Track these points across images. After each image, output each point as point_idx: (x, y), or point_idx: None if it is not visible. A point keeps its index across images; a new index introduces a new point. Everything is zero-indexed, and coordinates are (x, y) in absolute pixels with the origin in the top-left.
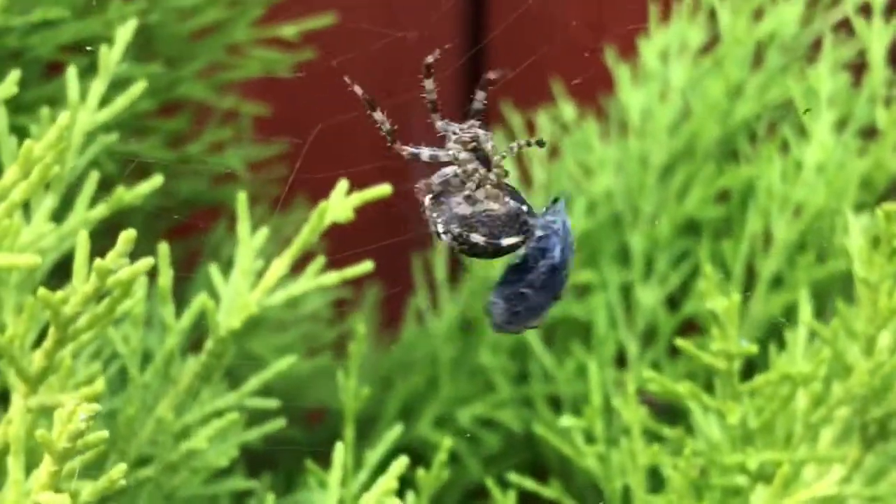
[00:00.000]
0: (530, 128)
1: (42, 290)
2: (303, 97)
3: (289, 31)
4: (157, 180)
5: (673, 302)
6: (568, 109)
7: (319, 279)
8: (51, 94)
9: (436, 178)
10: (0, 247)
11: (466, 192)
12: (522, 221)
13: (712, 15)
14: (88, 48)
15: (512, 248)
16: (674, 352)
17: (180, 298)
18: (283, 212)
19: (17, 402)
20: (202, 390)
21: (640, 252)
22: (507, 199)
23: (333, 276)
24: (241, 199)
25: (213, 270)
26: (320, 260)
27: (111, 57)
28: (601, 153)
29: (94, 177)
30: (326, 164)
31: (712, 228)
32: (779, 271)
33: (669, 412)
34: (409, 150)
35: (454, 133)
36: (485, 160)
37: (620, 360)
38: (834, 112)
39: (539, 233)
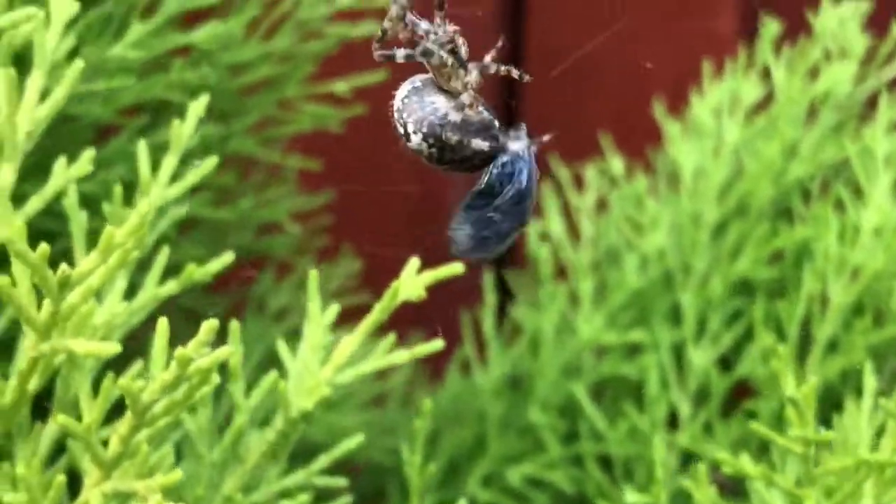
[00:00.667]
0: (578, 181)
1: (123, 380)
2: (349, 148)
3: (340, 87)
4: (226, 258)
5: (726, 362)
6: (616, 163)
7: (390, 357)
8: (108, 157)
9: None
10: (77, 332)
11: (440, 91)
12: (493, 136)
13: (766, 72)
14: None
15: (483, 156)
16: (726, 413)
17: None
18: (329, 262)
19: (91, 488)
20: (270, 468)
21: (693, 311)
22: (481, 108)
23: (404, 355)
24: (313, 276)
25: (281, 345)
26: (391, 338)
27: (184, 131)
28: (652, 210)
29: (164, 252)
30: (370, 212)
31: (766, 289)
32: (835, 335)
33: (735, 489)
34: (383, 52)
35: (428, 31)
36: (462, 63)
37: (672, 421)
38: (891, 173)
39: (504, 157)
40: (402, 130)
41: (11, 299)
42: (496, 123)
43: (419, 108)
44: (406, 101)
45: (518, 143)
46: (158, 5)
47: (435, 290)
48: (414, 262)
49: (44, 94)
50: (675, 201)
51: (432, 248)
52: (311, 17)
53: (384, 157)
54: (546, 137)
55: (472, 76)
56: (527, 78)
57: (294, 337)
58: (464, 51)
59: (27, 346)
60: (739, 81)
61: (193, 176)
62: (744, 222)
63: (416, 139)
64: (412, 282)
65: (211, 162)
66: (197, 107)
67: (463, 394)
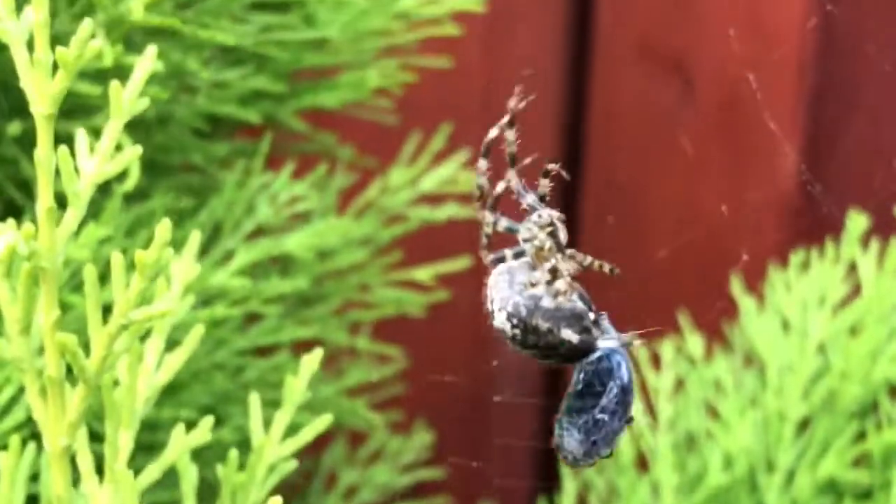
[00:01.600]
0: (656, 360)
1: None
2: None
3: (423, 274)
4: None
5: None
6: (695, 342)
7: None
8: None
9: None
10: None
11: (534, 276)
12: (585, 327)
13: (852, 267)
14: None
15: (570, 347)
16: None
17: None
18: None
19: None
20: None
21: None
22: (575, 297)
23: None
24: None
25: None
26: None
27: (297, 385)
28: (735, 401)
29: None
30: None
31: (853, 491)
32: None
33: None
34: (494, 257)
35: (530, 209)
36: (559, 248)
37: None
38: None
39: (599, 352)
40: (488, 304)
41: None
42: (591, 315)
43: (507, 287)
44: (497, 278)
45: (609, 338)
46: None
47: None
48: None
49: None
50: (758, 392)
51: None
52: (395, 204)
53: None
54: (637, 340)
55: (570, 264)
56: (617, 272)
57: None
58: (563, 235)
59: None
60: (826, 275)
61: (309, 432)
62: (830, 420)
63: (499, 318)
64: None
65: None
66: (311, 361)
67: None
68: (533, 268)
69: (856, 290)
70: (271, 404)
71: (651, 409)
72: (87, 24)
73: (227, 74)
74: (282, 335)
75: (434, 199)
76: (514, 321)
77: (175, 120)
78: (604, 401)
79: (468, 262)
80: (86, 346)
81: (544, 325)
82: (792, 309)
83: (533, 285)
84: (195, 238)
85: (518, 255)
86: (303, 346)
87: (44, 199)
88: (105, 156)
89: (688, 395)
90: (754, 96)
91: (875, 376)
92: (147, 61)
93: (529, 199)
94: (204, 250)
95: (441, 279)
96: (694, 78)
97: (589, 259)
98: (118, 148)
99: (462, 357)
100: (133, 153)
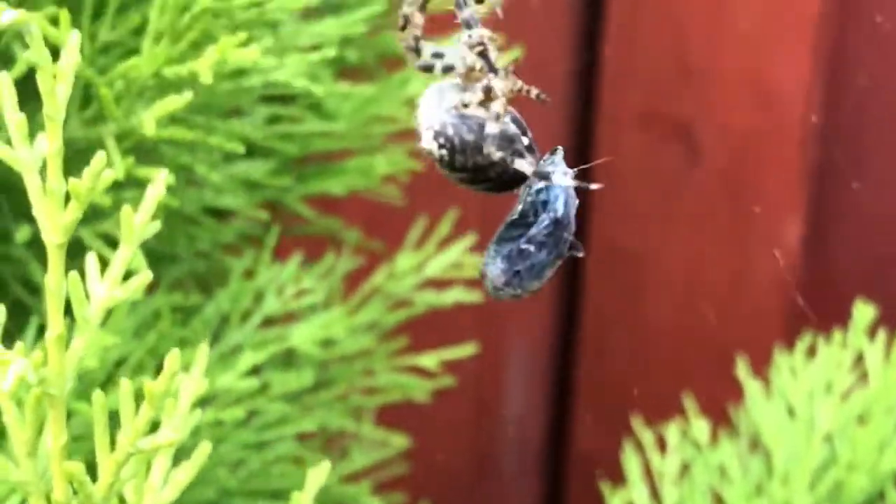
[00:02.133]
0: (661, 445)
1: None
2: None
3: (428, 360)
4: None
5: None
6: (700, 426)
7: None
8: None
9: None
10: None
11: (465, 97)
12: (516, 150)
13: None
14: None
15: (500, 171)
16: None
17: None
18: None
19: None
20: None
21: None
22: (507, 119)
23: None
24: None
25: None
26: None
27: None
28: (741, 488)
29: None
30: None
31: None
32: None
33: None
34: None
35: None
36: (492, 69)
37: None
38: None
39: (539, 183)
40: (417, 127)
41: None
42: (524, 140)
43: (436, 106)
44: (426, 100)
45: (553, 169)
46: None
47: None
48: None
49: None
50: (764, 479)
51: None
52: (401, 289)
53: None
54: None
55: (503, 83)
56: (544, 97)
57: None
58: (494, 55)
59: None
60: (833, 364)
61: None
62: None
63: (426, 137)
64: None
65: None
66: (318, 475)
67: None
68: (463, 89)
69: (862, 378)
70: (274, 495)
71: (656, 494)
72: (100, 156)
73: (235, 169)
74: (286, 429)
75: (440, 283)
76: (442, 140)
77: (181, 212)
78: (532, 231)
79: (475, 349)
80: (91, 467)
81: (471, 145)
82: (798, 396)
83: (465, 106)
84: (203, 352)
85: (447, 70)
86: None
87: (54, 327)
88: (115, 281)
89: (693, 480)
90: (759, 163)
91: (882, 467)
92: (158, 185)
93: (465, 13)
94: (209, 343)
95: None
96: (698, 144)
97: (520, 83)
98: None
99: (465, 437)
100: (143, 278)
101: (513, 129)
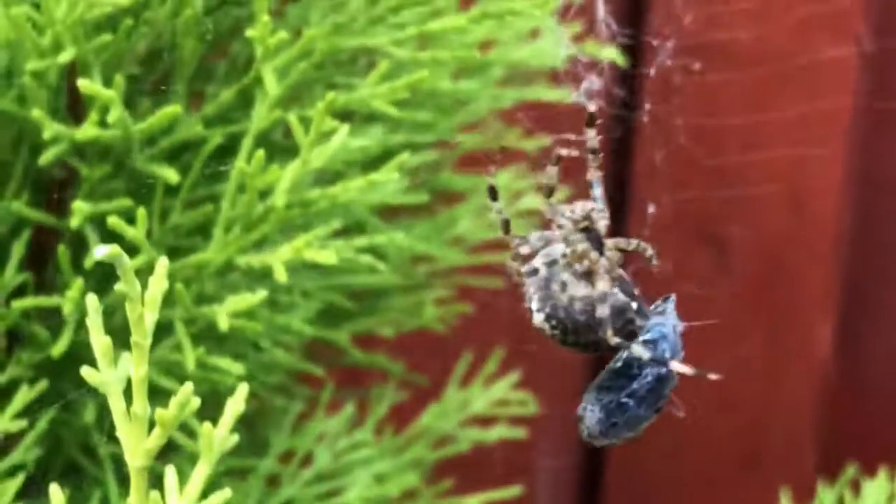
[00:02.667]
0: None
1: None
2: None
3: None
4: None
5: None
6: None
7: None
8: None
9: (540, 250)
10: None
11: (572, 273)
12: (628, 319)
13: None
14: None
15: (610, 349)
16: None
17: None
18: None
19: None
20: None
21: None
22: (616, 289)
23: None
24: None
25: None
26: None
27: None
28: None
29: None
30: None
31: None
32: None
33: None
34: (518, 240)
35: (564, 213)
36: (597, 241)
37: None
38: None
39: (647, 336)
40: (527, 302)
41: None
42: (634, 305)
43: (546, 286)
44: (532, 272)
45: (661, 321)
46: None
47: None
48: None
49: None
50: None
51: None
52: (446, 426)
53: None
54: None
55: (609, 256)
56: (655, 261)
57: None
58: (603, 224)
59: None
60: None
61: None
62: None
63: (539, 317)
64: None
65: None
66: None
67: None
68: (569, 263)
69: None
70: None
71: None
72: (188, 388)
73: (289, 320)
74: None
75: (485, 421)
76: (554, 322)
77: None
78: (635, 385)
79: (519, 491)
80: None
81: (582, 325)
82: None
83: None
84: None
85: (552, 264)
86: None
87: None
88: (192, 498)
89: None
90: (790, 268)
91: None
92: (239, 400)
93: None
94: (262, 500)
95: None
96: (729, 248)
97: (634, 243)
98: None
99: None
100: (223, 496)
101: (622, 299)
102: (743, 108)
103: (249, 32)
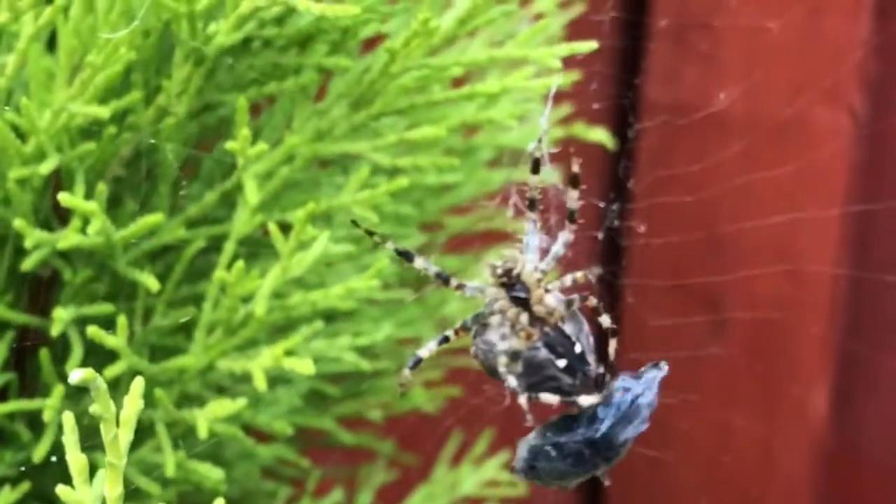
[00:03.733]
0: None
1: None
2: None
3: None
4: None
5: None
6: None
7: None
8: None
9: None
10: None
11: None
12: (548, 376)
13: None
14: None
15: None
16: None
17: None
18: None
19: None
20: None
21: None
22: (539, 343)
23: None
24: None
25: None
26: None
27: None
28: None
29: None
30: None
31: None
32: None
33: None
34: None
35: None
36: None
37: None
38: None
39: (605, 392)
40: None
41: None
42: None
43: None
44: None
45: (628, 386)
46: None
47: None
48: None
49: None
50: None
51: None
52: None
53: None
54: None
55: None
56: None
57: None
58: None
59: None
60: None
61: None
62: None
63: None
64: None
65: None
66: None
67: None
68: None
69: None
70: None
71: None
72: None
73: (269, 421)
74: None
75: (475, 502)
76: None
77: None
78: (563, 439)
79: None
80: None
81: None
82: None
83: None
84: None
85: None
86: None
87: None
88: None
89: None
90: (786, 332)
91: None
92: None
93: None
94: None
95: None
96: (725, 313)
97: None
98: None
99: None
100: None
101: (541, 355)
102: (738, 174)
103: (229, 145)
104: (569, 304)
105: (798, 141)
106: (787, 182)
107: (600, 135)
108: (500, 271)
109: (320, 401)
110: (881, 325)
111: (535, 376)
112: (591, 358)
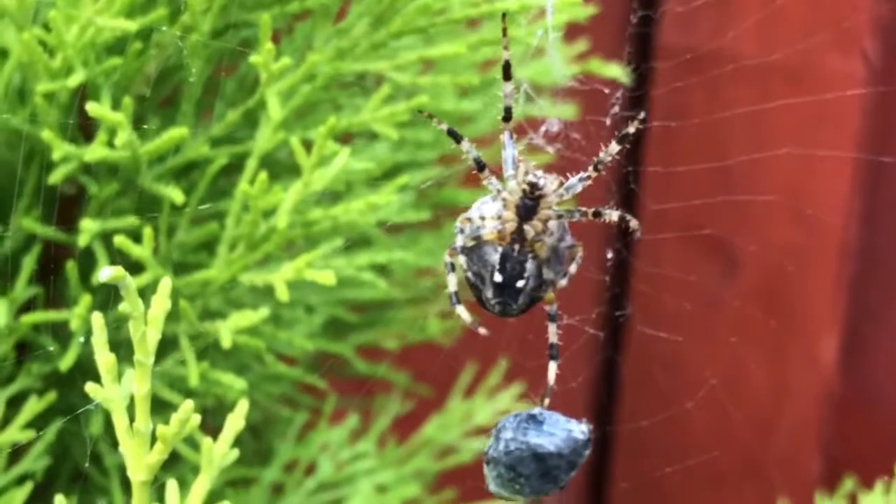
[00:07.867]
0: None
1: None
2: None
3: None
4: None
5: None
6: None
7: None
8: None
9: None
10: None
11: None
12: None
13: None
14: None
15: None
16: None
17: None
18: None
19: None
20: None
21: None
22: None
23: None
24: None
25: None
26: None
27: None
28: None
29: None
30: None
31: None
32: None
33: None
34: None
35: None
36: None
37: None
38: None
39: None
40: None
41: None
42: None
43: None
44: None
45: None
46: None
47: None
48: None
49: None
50: None
51: None
52: (449, 437)
53: None
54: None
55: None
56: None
57: None
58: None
59: None
60: None
61: None
62: None
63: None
64: None
65: None
66: None
67: None
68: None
69: None
70: None
71: None
72: (188, 405)
73: (291, 336)
74: None
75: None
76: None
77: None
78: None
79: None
80: None
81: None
82: None
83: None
84: None
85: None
86: None
87: None
88: None
89: None
90: (796, 278)
91: None
92: (238, 419)
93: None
94: None
95: None
96: (737, 258)
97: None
98: None
99: None
100: None
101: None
102: (749, 122)
103: (253, 59)
104: (557, 244)
105: (812, 84)
106: (799, 125)
107: (615, 71)
108: (528, 180)
109: (339, 330)
110: (892, 273)
111: (474, 267)
112: (520, 301)
